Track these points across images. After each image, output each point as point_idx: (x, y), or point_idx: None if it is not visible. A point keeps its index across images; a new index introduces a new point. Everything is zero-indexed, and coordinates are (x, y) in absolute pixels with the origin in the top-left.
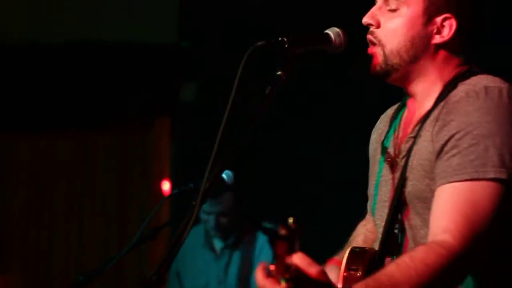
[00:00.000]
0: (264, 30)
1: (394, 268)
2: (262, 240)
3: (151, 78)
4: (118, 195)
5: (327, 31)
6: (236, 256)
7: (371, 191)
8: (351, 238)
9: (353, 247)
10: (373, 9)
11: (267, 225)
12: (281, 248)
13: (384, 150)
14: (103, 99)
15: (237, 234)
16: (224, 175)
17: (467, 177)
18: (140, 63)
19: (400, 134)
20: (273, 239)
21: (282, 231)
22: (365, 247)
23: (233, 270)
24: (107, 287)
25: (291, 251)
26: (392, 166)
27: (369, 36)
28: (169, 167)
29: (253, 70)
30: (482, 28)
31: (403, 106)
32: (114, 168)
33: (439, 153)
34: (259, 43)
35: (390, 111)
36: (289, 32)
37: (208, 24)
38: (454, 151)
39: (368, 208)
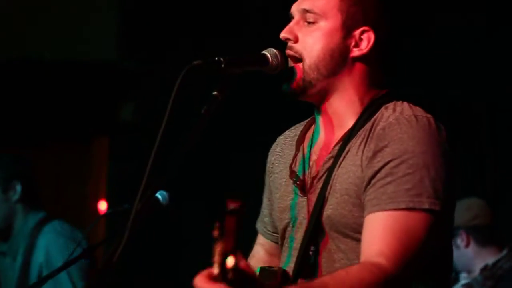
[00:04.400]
0: (205, 49)
1: (328, 278)
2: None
3: (90, 97)
4: (54, 214)
5: (264, 51)
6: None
7: (279, 215)
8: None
9: (262, 266)
10: (291, 24)
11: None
12: (230, 223)
13: (292, 173)
14: (42, 117)
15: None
16: (159, 196)
17: (402, 206)
18: (79, 82)
19: (316, 156)
20: (222, 213)
21: (231, 205)
22: (273, 267)
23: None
24: None
25: (239, 227)
26: (303, 188)
27: (288, 52)
28: (106, 187)
29: (190, 89)
30: (398, 42)
31: (309, 126)
32: (51, 187)
33: (371, 179)
34: (195, 63)
35: (290, 134)
36: (232, 52)
37: (147, 44)
38: (389, 178)
39: (272, 236)
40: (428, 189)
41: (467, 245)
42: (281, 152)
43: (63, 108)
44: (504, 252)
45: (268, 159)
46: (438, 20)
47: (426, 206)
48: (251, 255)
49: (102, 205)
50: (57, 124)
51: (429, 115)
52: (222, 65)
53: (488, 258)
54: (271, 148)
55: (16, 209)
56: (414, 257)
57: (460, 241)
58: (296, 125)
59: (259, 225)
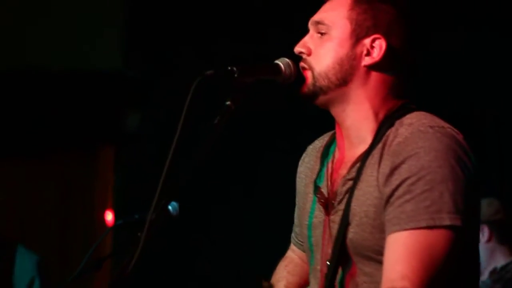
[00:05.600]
0: (211, 59)
1: None
2: (22, 253)
3: (95, 107)
4: (60, 225)
5: (277, 61)
6: None
7: (304, 231)
8: (273, 280)
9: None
10: (305, 38)
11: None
12: None
13: (317, 189)
14: (47, 127)
15: None
16: (169, 206)
17: (423, 224)
18: (85, 91)
19: (333, 174)
20: None
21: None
22: None
23: None
24: None
25: None
26: (327, 208)
27: (301, 64)
28: (113, 197)
29: (202, 99)
30: (414, 48)
31: (333, 140)
32: (57, 197)
33: (389, 197)
34: (208, 72)
35: (318, 143)
36: (238, 61)
37: (154, 53)
38: (407, 196)
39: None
40: (448, 204)
41: (488, 240)
42: (308, 164)
43: (68, 117)
44: None
45: (298, 169)
46: (440, 31)
47: (447, 222)
48: (284, 257)
49: (109, 216)
50: (63, 134)
51: (446, 125)
52: (235, 75)
53: (500, 258)
54: (301, 158)
55: None
56: (438, 276)
57: (481, 236)
58: (324, 135)
59: (292, 236)
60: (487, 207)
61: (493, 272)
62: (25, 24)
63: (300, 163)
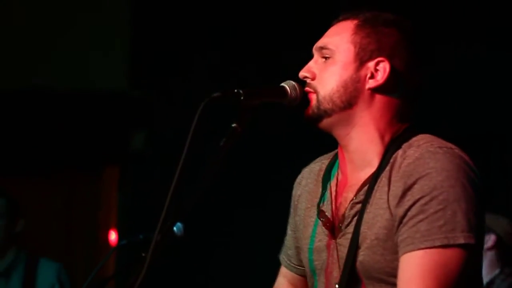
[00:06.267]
0: (216, 80)
1: None
2: (44, 264)
3: (100, 127)
4: (64, 244)
5: (283, 84)
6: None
7: (304, 255)
8: None
9: None
10: (310, 63)
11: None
12: None
13: (320, 212)
14: (52, 147)
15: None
16: (174, 228)
17: (438, 244)
18: (90, 111)
19: (338, 198)
20: None
21: None
22: None
23: None
24: None
25: None
26: (333, 231)
27: (306, 89)
28: (117, 217)
29: (208, 121)
30: (418, 70)
31: (334, 163)
32: (62, 216)
33: (402, 218)
34: (215, 94)
35: (316, 167)
36: (241, 84)
37: (158, 73)
38: (421, 216)
39: (299, 270)
40: (461, 223)
41: (490, 249)
42: (306, 187)
43: (73, 137)
44: (497, 270)
45: (294, 192)
46: (440, 50)
47: (462, 241)
48: (274, 286)
49: (112, 235)
50: (67, 154)
51: (453, 146)
52: (241, 97)
53: (488, 271)
54: (296, 181)
55: None
56: None
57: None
58: (321, 157)
59: (282, 257)
60: (504, 224)
61: None
62: (31, 45)
63: (295, 186)
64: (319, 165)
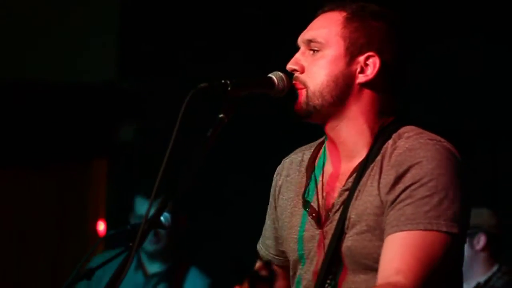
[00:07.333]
0: (205, 71)
1: None
2: (194, 275)
3: (88, 118)
4: (54, 235)
5: (270, 75)
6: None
7: (290, 245)
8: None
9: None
10: (297, 55)
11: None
12: None
13: (306, 204)
14: (40, 138)
15: (171, 264)
16: (161, 217)
17: (420, 227)
18: (78, 102)
19: (326, 187)
20: (253, 279)
21: (263, 272)
22: None
23: None
24: None
25: None
26: (319, 221)
27: (294, 82)
28: (105, 208)
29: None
30: (405, 63)
31: (318, 152)
32: (50, 208)
33: (392, 203)
34: (202, 85)
35: (297, 157)
36: (230, 75)
37: (148, 64)
38: (408, 200)
39: (280, 260)
40: (446, 211)
41: (482, 249)
42: (288, 177)
43: (61, 129)
44: (495, 268)
45: (274, 183)
46: (436, 45)
47: (444, 229)
48: None
49: (101, 226)
50: (56, 145)
51: (442, 139)
52: (229, 88)
53: (484, 271)
54: (277, 171)
55: None
56: (431, 275)
57: (476, 242)
58: (302, 148)
59: (260, 247)
60: (489, 217)
61: (477, 287)
62: (21, 37)
63: (276, 176)
64: (300, 155)
